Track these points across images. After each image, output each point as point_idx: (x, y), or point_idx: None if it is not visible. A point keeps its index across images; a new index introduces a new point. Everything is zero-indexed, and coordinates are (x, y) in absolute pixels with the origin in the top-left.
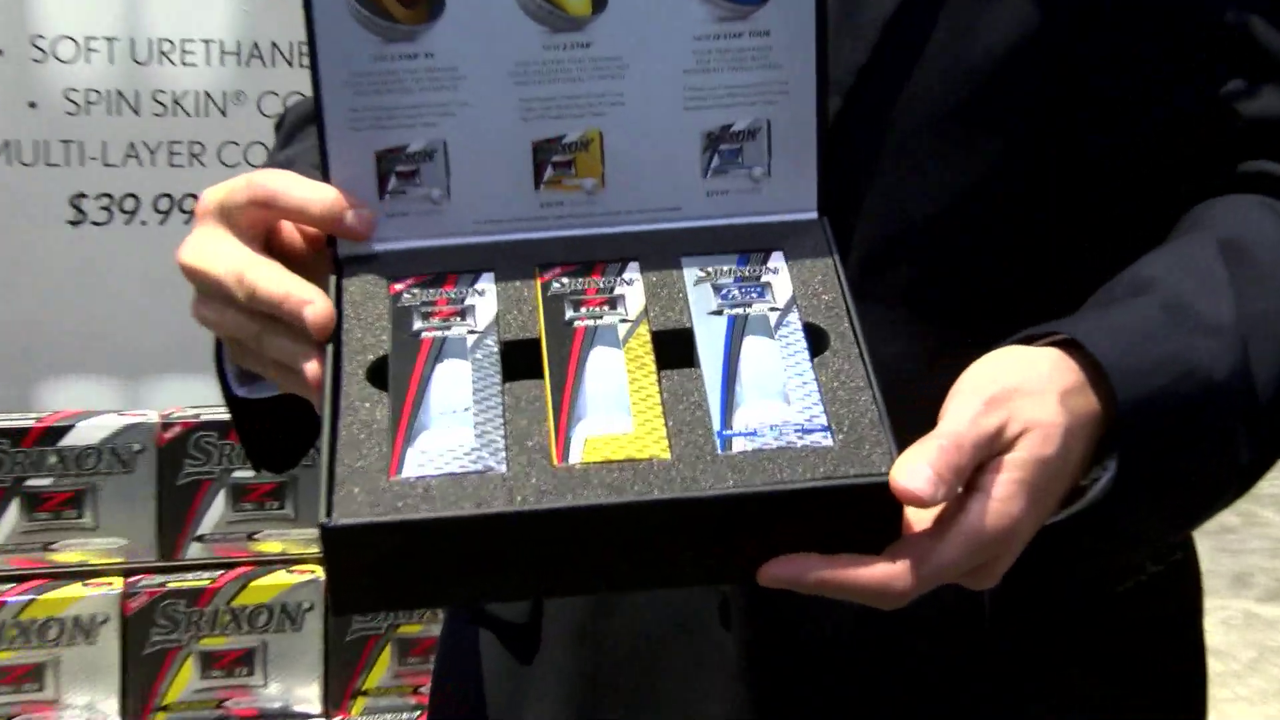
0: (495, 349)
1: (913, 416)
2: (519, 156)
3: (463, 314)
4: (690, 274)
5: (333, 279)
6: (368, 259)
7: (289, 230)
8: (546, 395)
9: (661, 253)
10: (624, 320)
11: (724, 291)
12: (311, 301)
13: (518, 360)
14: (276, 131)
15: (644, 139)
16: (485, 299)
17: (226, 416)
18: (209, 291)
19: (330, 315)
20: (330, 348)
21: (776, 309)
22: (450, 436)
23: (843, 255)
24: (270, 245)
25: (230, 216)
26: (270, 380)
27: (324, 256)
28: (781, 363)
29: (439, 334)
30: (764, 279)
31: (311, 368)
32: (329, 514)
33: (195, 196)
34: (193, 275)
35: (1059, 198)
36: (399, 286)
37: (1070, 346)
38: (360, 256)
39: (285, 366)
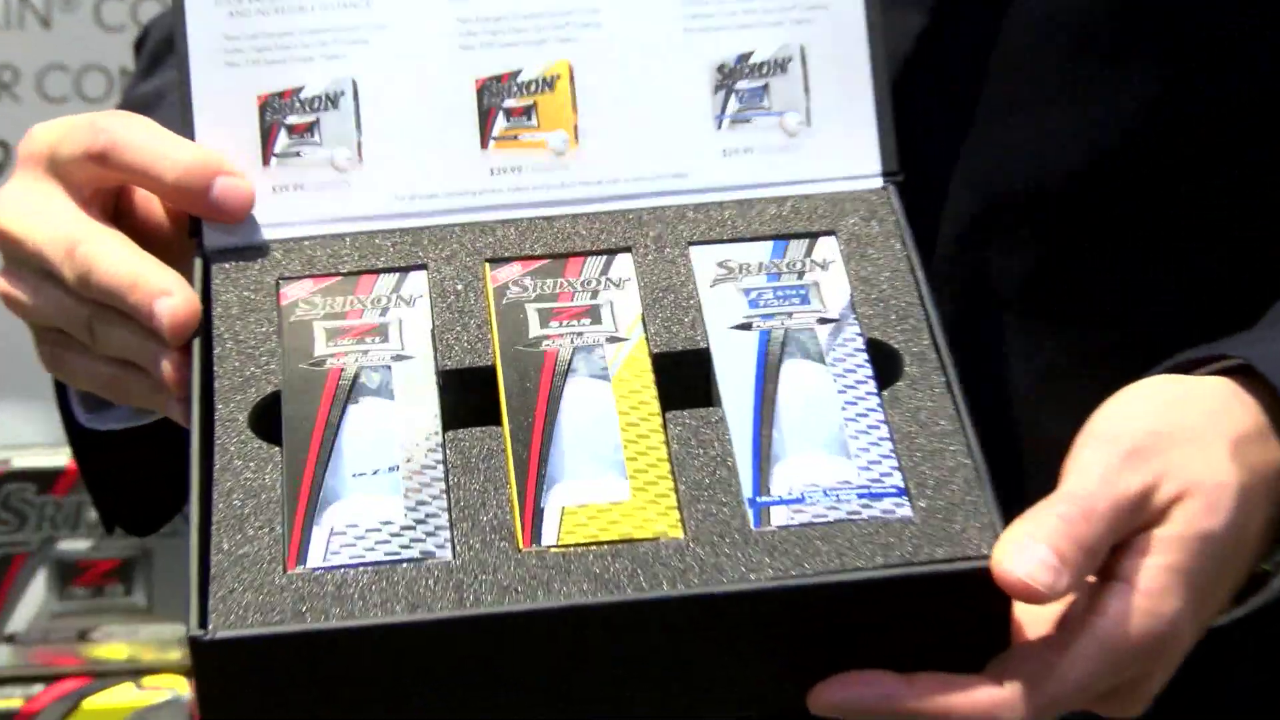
0: (431, 382)
1: (1021, 470)
2: (459, 102)
3: (384, 331)
4: (705, 270)
5: (198, 279)
6: (246, 252)
7: (147, 199)
8: (506, 448)
9: (663, 240)
10: (612, 338)
11: (753, 295)
12: (169, 292)
13: (464, 398)
14: (136, 54)
15: (630, 75)
16: (415, 310)
17: (51, 461)
18: (24, 263)
19: (194, 313)
20: (196, 382)
21: (828, 320)
22: (371, 509)
23: (920, 241)
24: (120, 214)
25: (63, 169)
26: (115, 400)
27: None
28: (836, 398)
29: (351, 361)
30: (809, 276)
31: (168, 368)
32: (203, 622)
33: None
34: (3, 240)
35: (1215, 159)
36: (292, 292)
37: (1243, 376)
38: (236, 249)
39: (128, 369)
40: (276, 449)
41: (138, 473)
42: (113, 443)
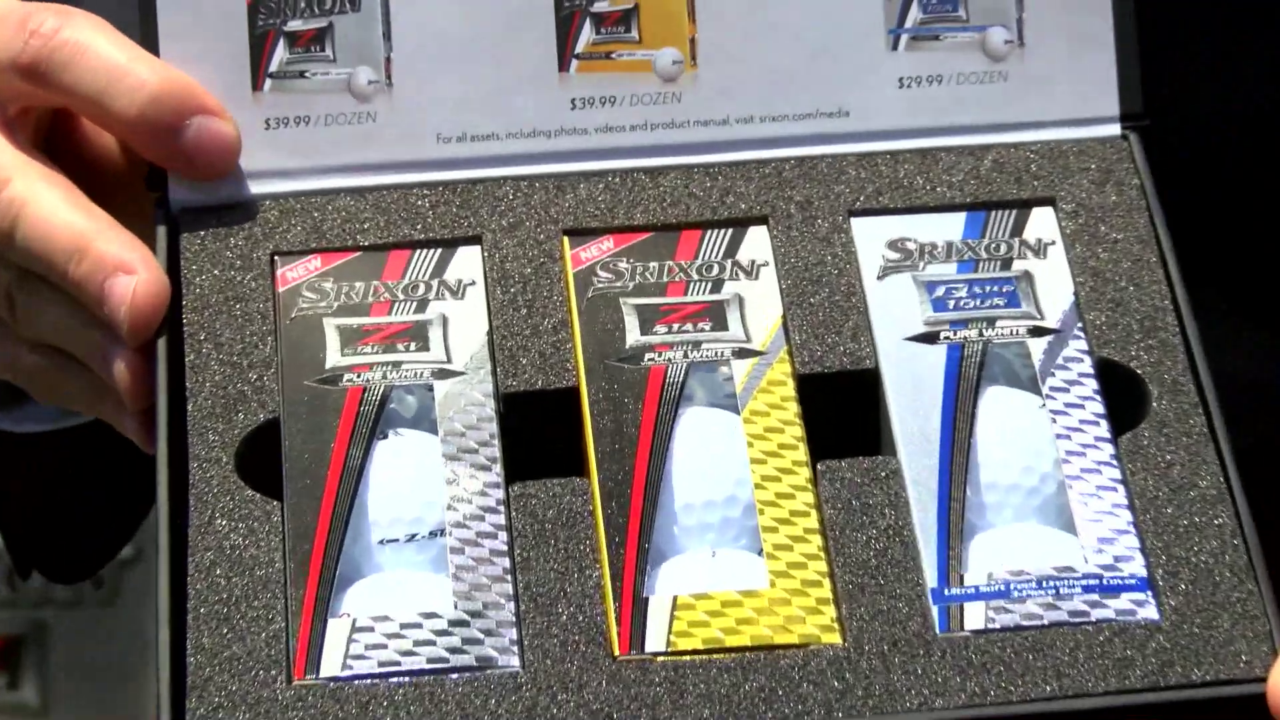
0: (489, 409)
1: None
2: (528, 3)
3: (422, 335)
4: (872, 253)
5: (162, 251)
6: (229, 214)
7: (98, 131)
8: (595, 509)
9: (813, 206)
10: (742, 351)
11: (940, 292)
12: (128, 268)
13: (534, 432)
14: None
15: None
16: (466, 303)
17: None
18: None
19: (161, 300)
20: (163, 399)
21: (1044, 330)
22: (409, 594)
23: (1172, 214)
24: (56, 144)
25: None
26: (38, 398)
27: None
28: (1054, 445)
29: (377, 377)
30: (1018, 265)
31: (123, 371)
32: None
33: None
34: None
35: None
36: (293, 274)
37: None
38: (214, 210)
39: (60, 359)
40: (275, 503)
41: (62, 494)
42: (29, 450)
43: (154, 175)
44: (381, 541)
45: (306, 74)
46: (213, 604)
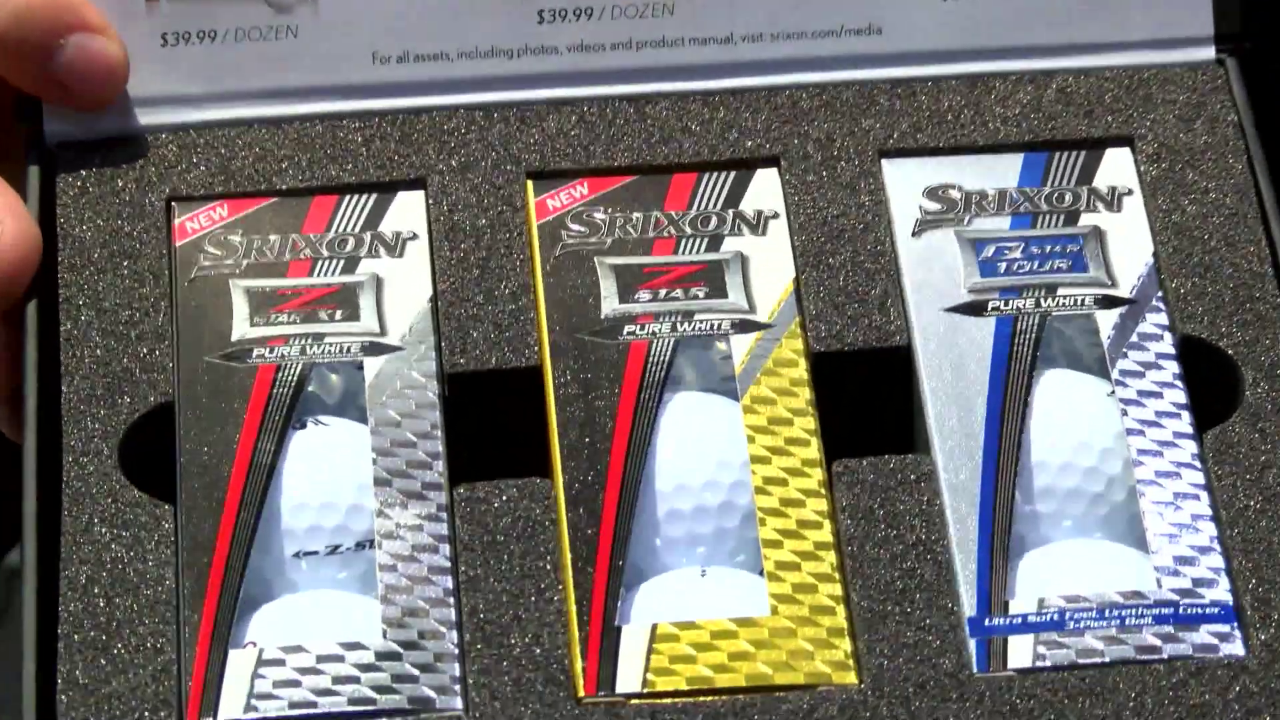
0: (431, 393)
1: None
2: None
3: (350, 299)
4: (906, 202)
5: (34, 197)
6: (115, 151)
7: None
8: (559, 517)
9: (835, 144)
10: (744, 323)
11: (988, 252)
12: None
13: (486, 422)
14: None
15: None
16: (405, 261)
17: None
18: None
19: (29, 256)
20: (31, 374)
21: (1116, 300)
22: (328, 619)
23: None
24: None
25: None
26: None
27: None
28: (1124, 441)
29: (294, 352)
30: (1086, 219)
31: None
32: None
33: None
34: None
35: None
36: (194, 224)
37: None
38: (97, 145)
39: None
40: (167, 506)
41: None
42: None
43: (23, 104)
44: (297, 555)
45: None
46: (88, 630)
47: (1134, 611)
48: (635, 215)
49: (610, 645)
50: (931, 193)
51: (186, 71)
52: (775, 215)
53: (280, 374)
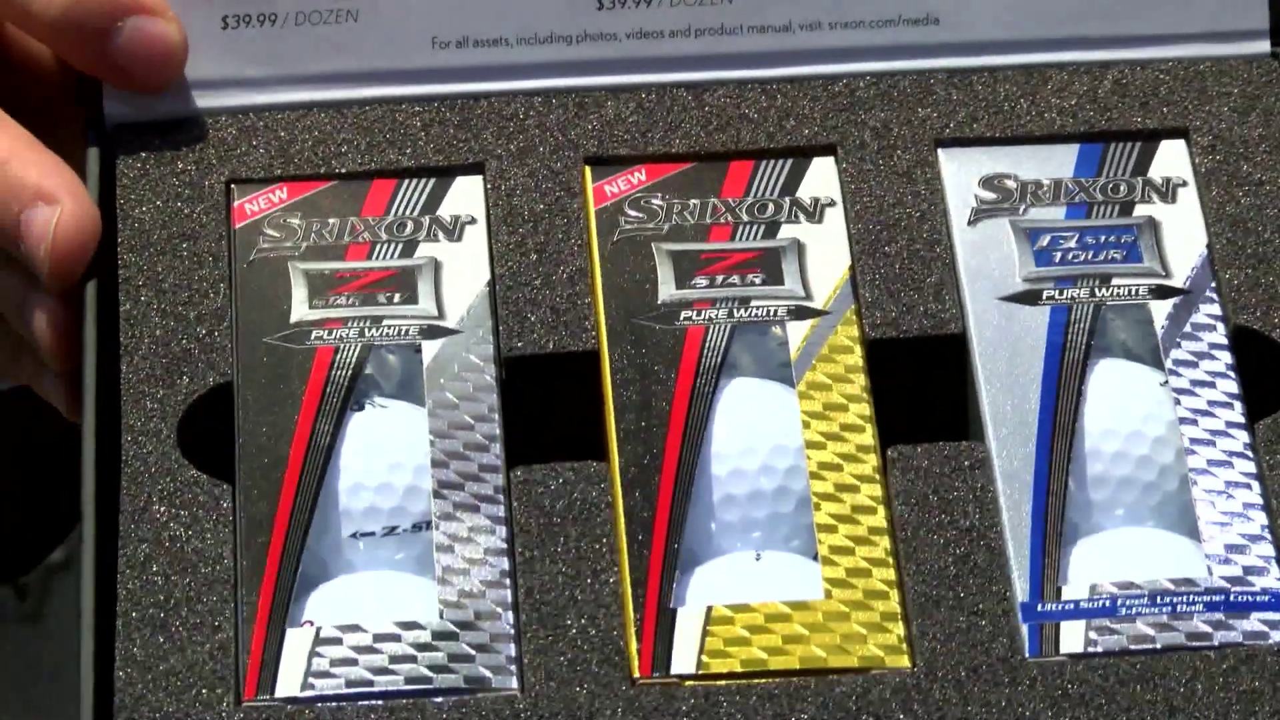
0: (489, 375)
1: None
2: None
3: (409, 282)
4: (962, 192)
5: (93, 178)
6: (174, 134)
7: (19, 34)
8: (615, 499)
9: (892, 133)
10: (800, 310)
11: (1044, 242)
12: (51, 197)
13: (543, 405)
14: None
15: None
16: (464, 245)
17: None
18: None
19: (90, 236)
20: (90, 356)
21: (1171, 290)
22: (385, 599)
23: None
24: None
25: None
26: None
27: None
28: (1177, 431)
29: (353, 334)
30: (1141, 210)
31: (42, 322)
32: None
33: None
34: None
35: None
36: (253, 207)
37: None
38: (156, 127)
39: None
40: (225, 485)
41: None
42: None
43: (84, 87)
44: (354, 535)
45: None
46: (147, 607)
47: (1185, 598)
48: (692, 202)
49: (665, 627)
50: (987, 182)
51: (246, 54)
52: (832, 203)
53: (338, 356)
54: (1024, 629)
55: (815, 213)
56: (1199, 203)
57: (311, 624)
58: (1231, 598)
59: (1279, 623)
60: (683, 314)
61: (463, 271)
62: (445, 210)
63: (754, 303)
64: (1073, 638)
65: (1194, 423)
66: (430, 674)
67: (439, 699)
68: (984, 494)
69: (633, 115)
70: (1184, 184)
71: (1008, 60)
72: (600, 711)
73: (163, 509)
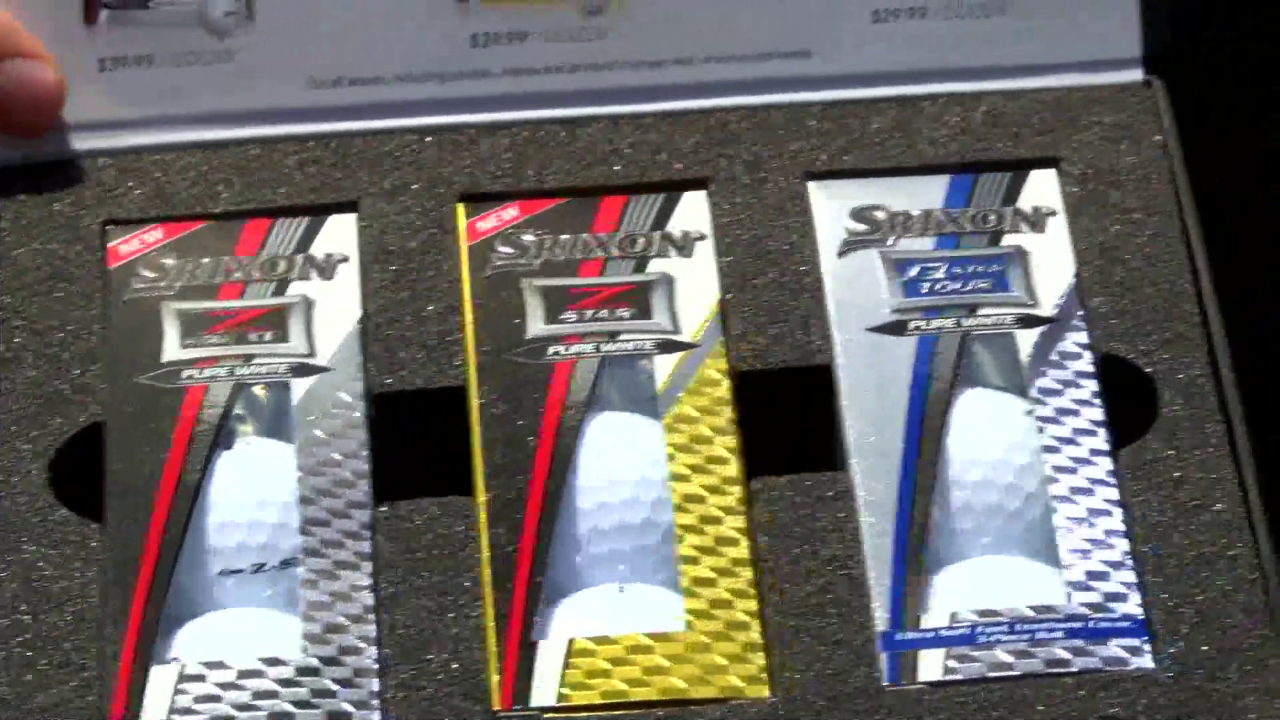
0: (359, 412)
1: None
2: None
3: (280, 321)
4: (831, 224)
5: None
6: (52, 175)
7: None
8: (480, 533)
9: (763, 166)
10: (668, 343)
11: (913, 273)
12: None
13: (412, 441)
14: None
15: None
16: (336, 283)
17: None
18: None
19: None
20: None
21: (1038, 319)
22: (250, 635)
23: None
24: None
25: None
26: None
27: None
28: (1041, 458)
29: (224, 373)
30: (1010, 239)
31: None
32: None
33: None
34: None
35: None
36: (128, 246)
37: None
38: (33, 169)
39: None
40: (94, 525)
41: None
42: None
43: None
44: (223, 573)
45: (150, 3)
46: (14, 646)
47: (1045, 626)
48: (564, 237)
49: (526, 660)
50: (857, 214)
51: (124, 96)
52: (702, 237)
53: (209, 395)
54: (883, 657)
55: (685, 246)
56: (1068, 231)
57: (177, 660)
58: (1091, 624)
59: (1139, 649)
60: (551, 349)
61: (334, 309)
62: (318, 248)
63: (622, 336)
64: (931, 666)
65: (1058, 450)
66: (293, 709)
67: None
68: (846, 524)
69: (506, 152)
70: (1053, 213)
71: (880, 92)
72: None
73: (32, 548)
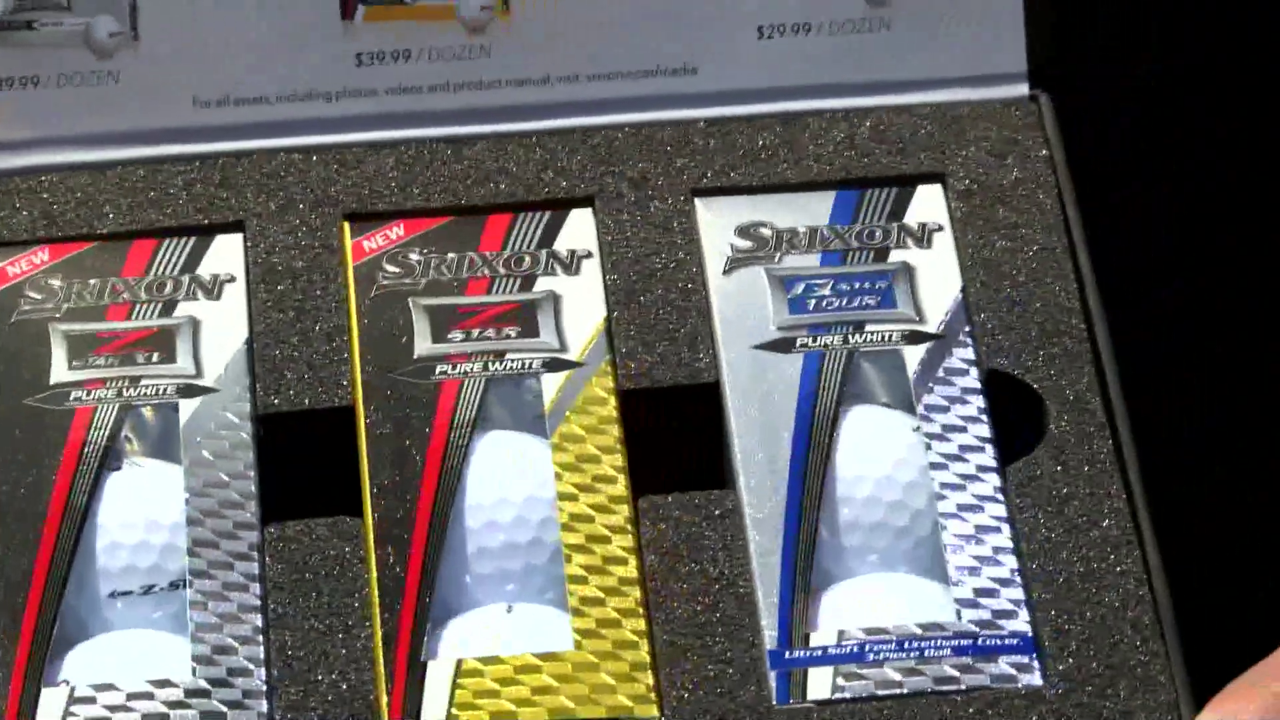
0: (246, 432)
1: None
2: None
3: (167, 342)
4: (718, 241)
5: None
6: None
7: None
8: (368, 553)
9: (649, 183)
10: (555, 362)
11: (798, 290)
12: None
13: (299, 462)
14: None
15: None
16: (223, 304)
17: None
18: None
19: None
20: None
21: (924, 335)
22: (140, 657)
23: (1085, 196)
24: None
25: None
26: None
27: None
28: (928, 475)
29: (111, 394)
30: (896, 255)
31: None
32: None
33: None
34: None
35: None
36: (15, 268)
37: None
38: None
39: None
40: None
41: None
42: None
43: None
44: (112, 595)
45: (34, 23)
46: None
47: (933, 643)
48: (450, 256)
49: (415, 680)
50: (743, 231)
51: (9, 117)
52: (588, 255)
53: (96, 416)
54: (772, 676)
55: (572, 264)
56: (954, 247)
57: (67, 683)
58: (980, 641)
59: (1027, 665)
60: (438, 368)
61: (221, 329)
62: (205, 269)
63: (509, 356)
64: (820, 684)
65: (945, 467)
66: None
67: None
68: (734, 542)
69: (392, 170)
70: (939, 229)
71: (766, 109)
72: None
73: None
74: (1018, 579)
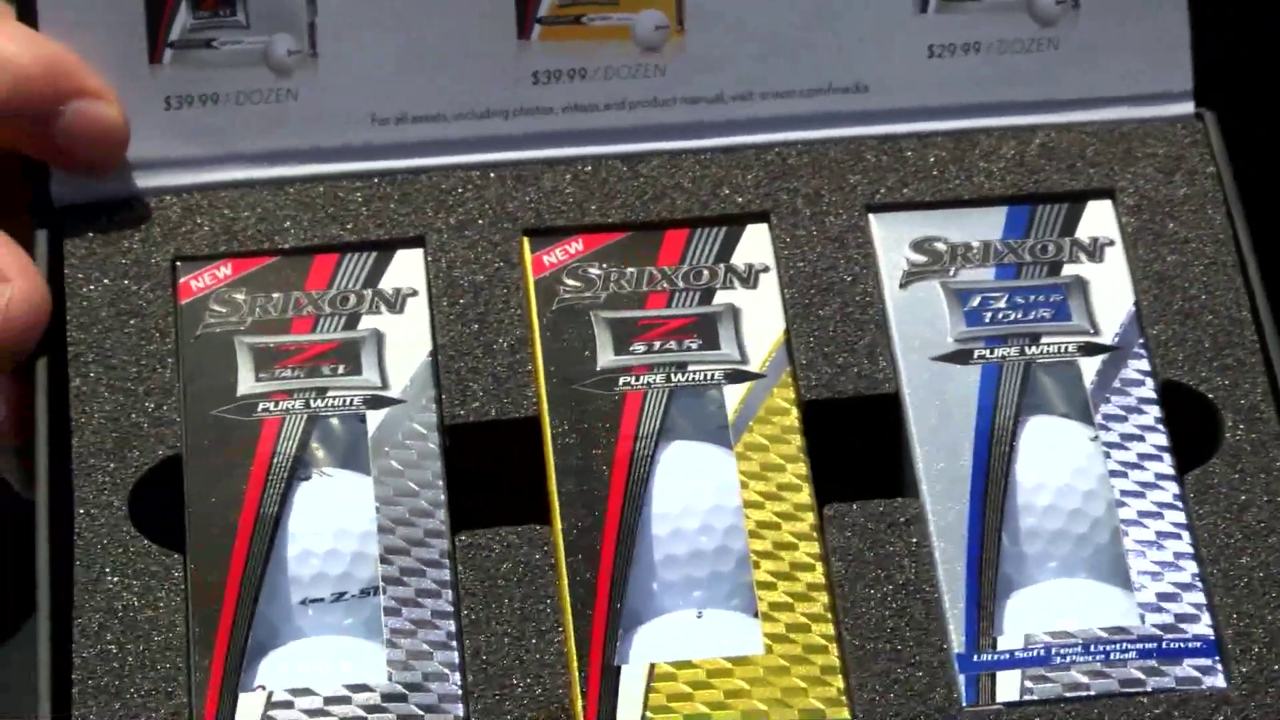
0: (433, 442)
1: None
2: None
3: (352, 355)
4: (894, 255)
5: (42, 258)
6: (121, 213)
7: None
8: (558, 561)
9: (824, 199)
10: (736, 374)
11: (974, 303)
12: (5, 279)
13: (486, 471)
14: None
15: None
16: (406, 317)
17: None
18: None
19: (39, 314)
20: (42, 430)
21: (1099, 347)
22: (336, 663)
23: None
24: None
25: None
26: None
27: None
28: (1108, 483)
29: (298, 406)
30: (1069, 270)
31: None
32: None
33: None
34: None
35: None
36: (198, 284)
37: None
38: (103, 207)
39: None
40: (176, 556)
41: None
42: None
43: (31, 169)
44: (303, 602)
45: (214, 43)
46: (101, 676)
47: (1118, 646)
48: (629, 270)
49: (610, 684)
50: (917, 245)
51: (189, 134)
52: (766, 269)
53: (284, 427)
54: (960, 679)
55: (750, 278)
56: (1126, 261)
57: (264, 688)
58: (1164, 644)
59: (1211, 668)
60: (621, 380)
61: (405, 342)
62: (387, 283)
63: (691, 367)
64: (1008, 686)
65: (1124, 475)
66: None
67: None
68: (919, 549)
69: (569, 187)
70: (1111, 243)
71: (936, 126)
72: None
73: (115, 579)
74: (1199, 583)
